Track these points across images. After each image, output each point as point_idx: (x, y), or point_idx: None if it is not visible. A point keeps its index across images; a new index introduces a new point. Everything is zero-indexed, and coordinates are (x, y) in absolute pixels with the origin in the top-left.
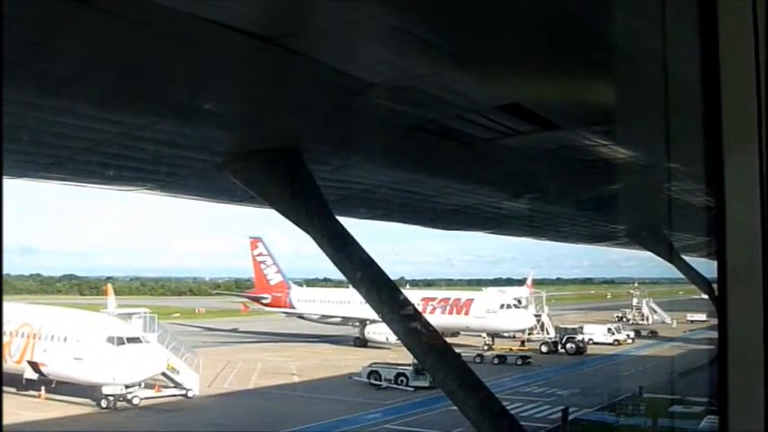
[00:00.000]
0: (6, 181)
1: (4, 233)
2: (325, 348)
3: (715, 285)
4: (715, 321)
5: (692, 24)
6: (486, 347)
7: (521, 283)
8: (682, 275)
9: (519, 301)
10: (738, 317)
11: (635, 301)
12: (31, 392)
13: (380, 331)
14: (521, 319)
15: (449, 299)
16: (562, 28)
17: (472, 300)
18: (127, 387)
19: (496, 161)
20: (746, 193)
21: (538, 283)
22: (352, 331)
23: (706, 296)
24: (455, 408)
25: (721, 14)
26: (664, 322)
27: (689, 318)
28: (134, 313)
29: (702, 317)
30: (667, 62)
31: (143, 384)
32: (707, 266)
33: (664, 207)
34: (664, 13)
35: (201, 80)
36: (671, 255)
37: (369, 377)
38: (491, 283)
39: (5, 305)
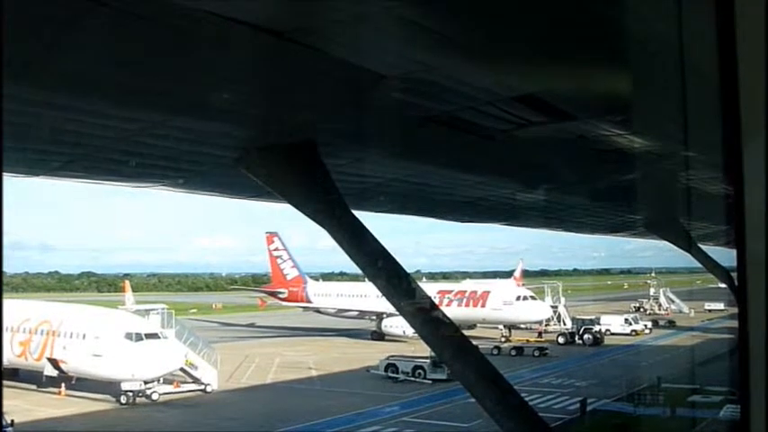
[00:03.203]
0: (26, 179)
1: (4, 233)
2: (342, 342)
3: (734, 274)
4: (733, 310)
5: (708, 11)
6: (503, 339)
7: (544, 275)
8: (699, 264)
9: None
10: (759, 305)
11: (652, 291)
12: (51, 389)
13: (397, 324)
14: (537, 311)
15: (465, 291)
16: (576, 18)
17: (489, 292)
18: (146, 383)
19: (511, 153)
20: (765, 180)
21: (554, 274)
22: (369, 325)
23: (723, 285)
24: (473, 400)
25: (737, 1)
26: (681, 312)
27: (707, 307)
28: (152, 309)
29: (720, 306)
30: (683, 50)
31: (162, 380)
32: (722, 255)
33: (681, 196)
34: (679, 1)
35: (216, 76)
36: (688, 244)
37: (386, 370)
38: (507, 275)
39: (24, 303)
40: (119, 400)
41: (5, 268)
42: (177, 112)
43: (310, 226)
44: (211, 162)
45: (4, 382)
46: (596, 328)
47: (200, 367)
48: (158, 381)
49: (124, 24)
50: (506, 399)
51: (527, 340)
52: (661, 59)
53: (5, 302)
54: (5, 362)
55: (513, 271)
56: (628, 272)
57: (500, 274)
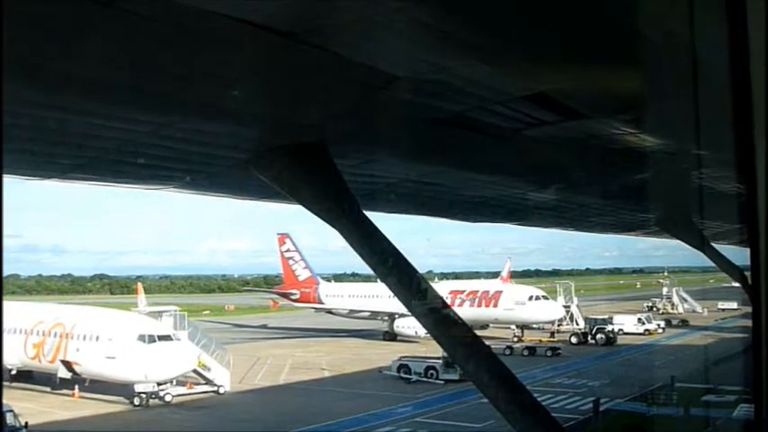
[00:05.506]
0: (37, 182)
1: (4, 234)
2: (354, 343)
3: (747, 273)
4: (746, 309)
5: (720, 9)
6: (515, 339)
7: (556, 275)
8: (712, 263)
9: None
10: None
11: (665, 290)
12: (64, 391)
13: (409, 325)
14: (550, 311)
15: (477, 291)
16: (586, 16)
17: (501, 292)
18: (159, 384)
19: (522, 152)
20: None
21: (566, 273)
22: (382, 325)
23: (737, 284)
24: (486, 400)
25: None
26: (694, 311)
27: (720, 306)
28: (164, 311)
29: (734, 305)
30: (695, 48)
31: (175, 381)
32: (735, 254)
33: (693, 195)
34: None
35: (227, 77)
36: (701, 243)
37: (398, 371)
38: (520, 275)
39: (38, 305)
40: (132, 402)
41: (19, 271)
42: (188, 114)
43: (322, 227)
44: (221, 163)
45: (19, 385)
46: (609, 327)
47: (213, 369)
48: (171, 382)
49: (133, 25)
50: (519, 399)
51: (539, 340)
52: (673, 58)
53: (19, 305)
54: (19, 364)
55: (526, 270)
56: (640, 271)
57: (514, 274)
